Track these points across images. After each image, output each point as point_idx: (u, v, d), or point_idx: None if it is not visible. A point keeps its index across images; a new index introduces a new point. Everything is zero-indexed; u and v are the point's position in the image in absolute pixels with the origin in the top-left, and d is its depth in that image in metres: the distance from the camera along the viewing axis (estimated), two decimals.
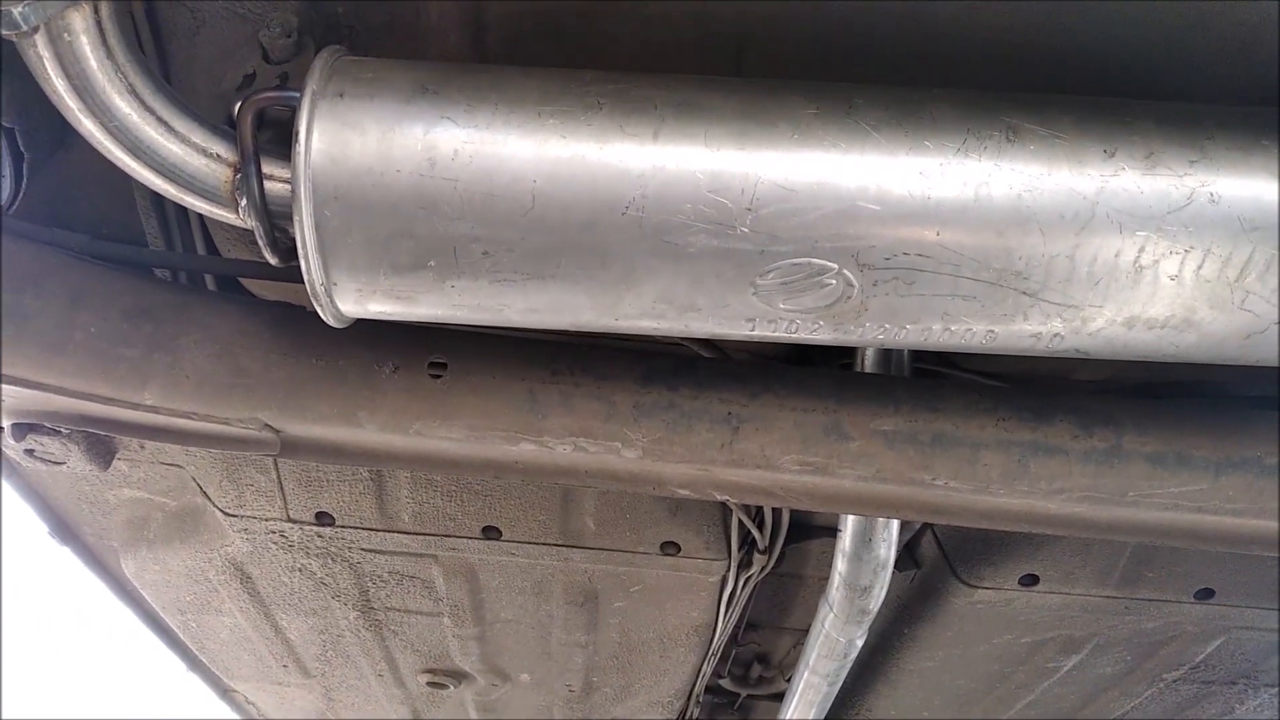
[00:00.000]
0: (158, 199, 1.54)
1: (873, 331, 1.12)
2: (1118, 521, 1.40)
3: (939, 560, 1.97)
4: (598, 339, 1.42)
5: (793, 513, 2.07)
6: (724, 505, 1.87)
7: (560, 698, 2.66)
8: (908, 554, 2.07)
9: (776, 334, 1.13)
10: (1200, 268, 1.04)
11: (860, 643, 2.01)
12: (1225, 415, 1.38)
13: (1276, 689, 2.22)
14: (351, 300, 1.11)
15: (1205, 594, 1.89)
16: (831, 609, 1.88)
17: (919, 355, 1.68)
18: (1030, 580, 1.89)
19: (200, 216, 1.61)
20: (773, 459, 1.36)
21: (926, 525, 1.97)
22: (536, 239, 1.03)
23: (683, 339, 1.60)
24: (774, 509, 1.87)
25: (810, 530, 2.08)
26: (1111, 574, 1.86)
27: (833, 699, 2.32)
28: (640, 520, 1.86)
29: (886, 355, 1.61)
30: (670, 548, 1.90)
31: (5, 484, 1.96)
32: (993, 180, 1.01)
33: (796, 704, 2.37)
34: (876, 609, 1.84)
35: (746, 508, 1.85)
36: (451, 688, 2.58)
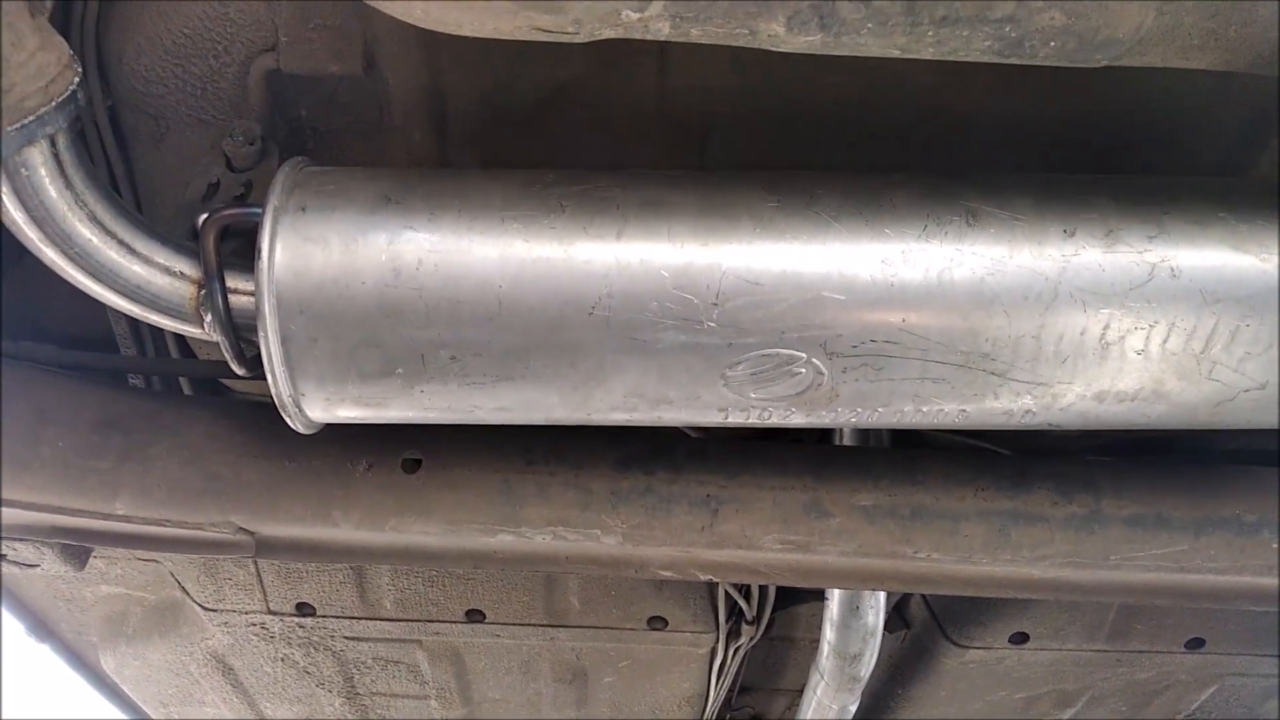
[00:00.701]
0: None
1: (846, 415, 1.12)
2: (1102, 584, 1.40)
3: (928, 621, 1.95)
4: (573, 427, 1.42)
5: None
6: (711, 581, 1.85)
7: None
8: (897, 615, 2.05)
9: (750, 421, 1.13)
10: (1166, 341, 1.04)
11: (854, 708, 1.99)
12: (1202, 475, 1.38)
13: None
14: (320, 408, 1.10)
15: (1196, 643, 1.88)
16: (823, 677, 1.86)
17: None
18: (1020, 638, 1.88)
19: None
20: (754, 539, 1.35)
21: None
22: (504, 341, 1.02)
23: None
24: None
25: (799, 594, 2.06)
26: (1101, 628, 1.85)
27: None
28: (626, 597, 1.84)
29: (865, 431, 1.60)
30: (658, 622, 1.88)
31: None
32: (955, 265, 1.02)
33: None
34: (867, 676, 1.82)
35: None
36: None
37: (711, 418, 1.13)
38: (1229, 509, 1.35)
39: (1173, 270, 1.03)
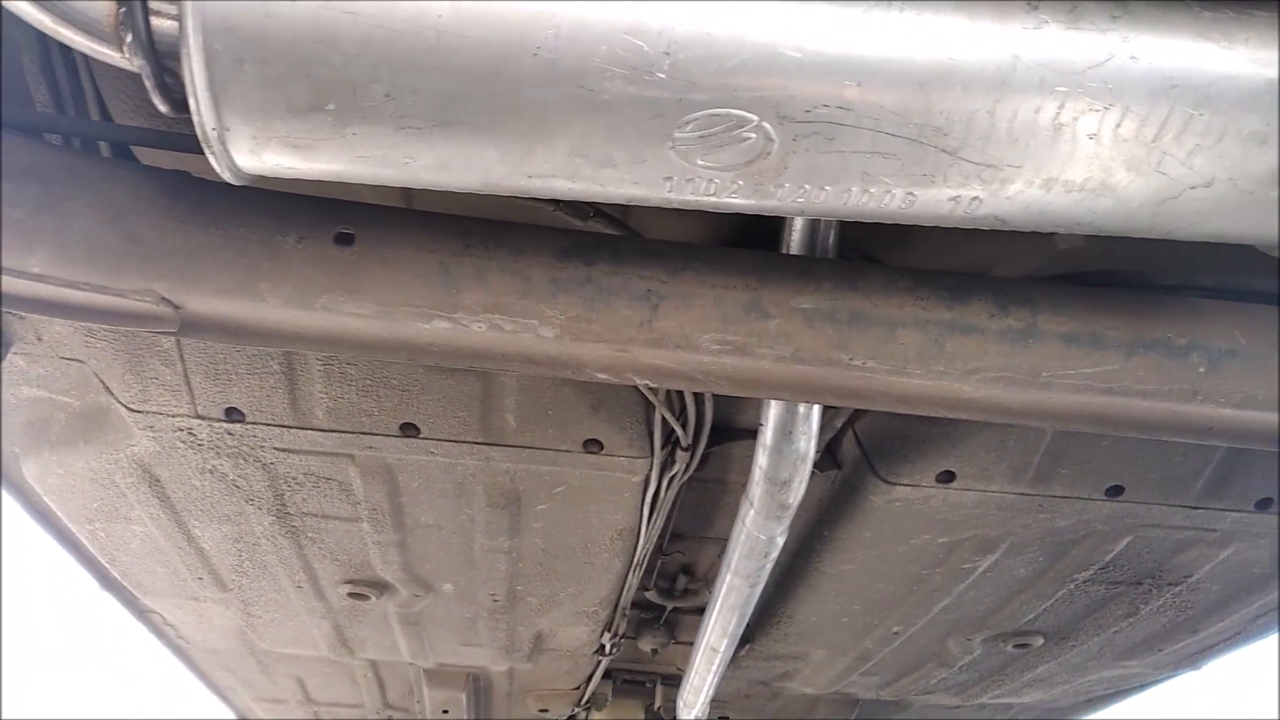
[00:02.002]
0: (47, 64, 1.45)
1: (792, 195, 1.10)
2: (1032, 406, 1.42)
3: (859, 460, 1.98)
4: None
5: (716, 413, 2.06)
6: (647, 402, 1.84)
7: (484, 608, 2.64)
8: (829, 455, 2.08)
9: (696, 197, 1.10)
10: (1119, 126, 1.03)
11: (781, 541, 2.02)
12: (1138, 298, 1.40)
13: (1179, 588, 2.31)
14: (247, 150, 1.04)
15: (1115, 491, 1.94)
16: (752, 505, 1.88)
17: (843, 251, 1.67)
18: (947, 477, 1.91)
19: (95, 84, 1.51)
20: (692, 338, 1.34)
21: (848, 425, 1.98)
22: (441, 81, 0.97)
23: (601, 207, 1.58)
24: (697, 407, 1.85)
25: (733, 433, 2.08)
26: (1026, 470, 1.90)
27: (755, 602, 2.34)
28: (562, 417, 1.83)
29: (812, 244, 1.59)
30: (593, 445, 1.88)
31: None
32: (915, 31, 0.99)
33: (719, 608, 2.40)
34: (796, 504, 1.85)
35: (670, 403, 1.84)
36: (373, 599, 2.55)
37: (657, 189, 1.10)
38: (1160, 331, 1.37)
39: (1132, 53, 1.01)
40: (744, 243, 1.72)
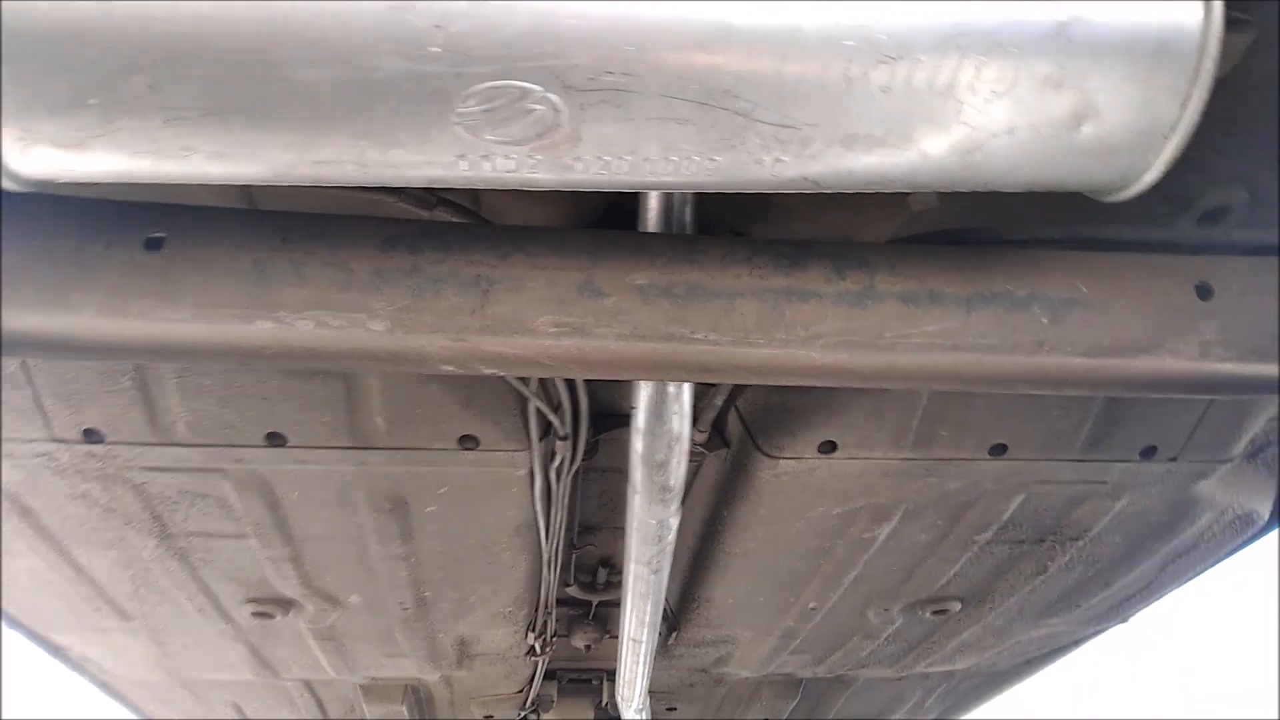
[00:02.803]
0: None
1: (593, 167, 1.07)
2: (882, 368, 1.40)
3: (743, 436, 1.97)
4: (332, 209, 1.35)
5: (599, 400, 2.04)
6: (520, 395, 1.81)
7: (397, 618, 2.60)
8: (718, 434, 2.07)
9: (494, 174, 1.07)
10: (910, 78, 1.01)
11: (674, 523, 2.00)
12: (975, 253, 1.39)
13: (1081, 542, 2.33)
14: (18, 152, 1.00)
15: (999, 449, 1.94)
16: (636, 490, 1.86)
17: (701, 227, 1.65)
18: (829, 447, 1.91)
19: None
20: (527, 322, 1.31)
21: (729, 403, 1.97)
22: (204, 69, 0.93)
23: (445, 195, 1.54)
24: (571, 395, 1.83)
25: (621, 419, 2.05)
26: (907, 435, 1.89)
27: (664, 588, 2.32)
28: (433, 415, 1.80)
29: (668, 223, 1.56)
30: (469, 441, 1.85)
31: None
32: None
33: (631, 598, 2.37)
34: (678, 485, 1.83)
35: (544, 393, 1.81)
36: (279, 617, 2.49)
37: (452, 169, 1.06)
38: (999, 284, 1.36)
39: (915, 3, 0.99)
40: (606, 224, 1.70)
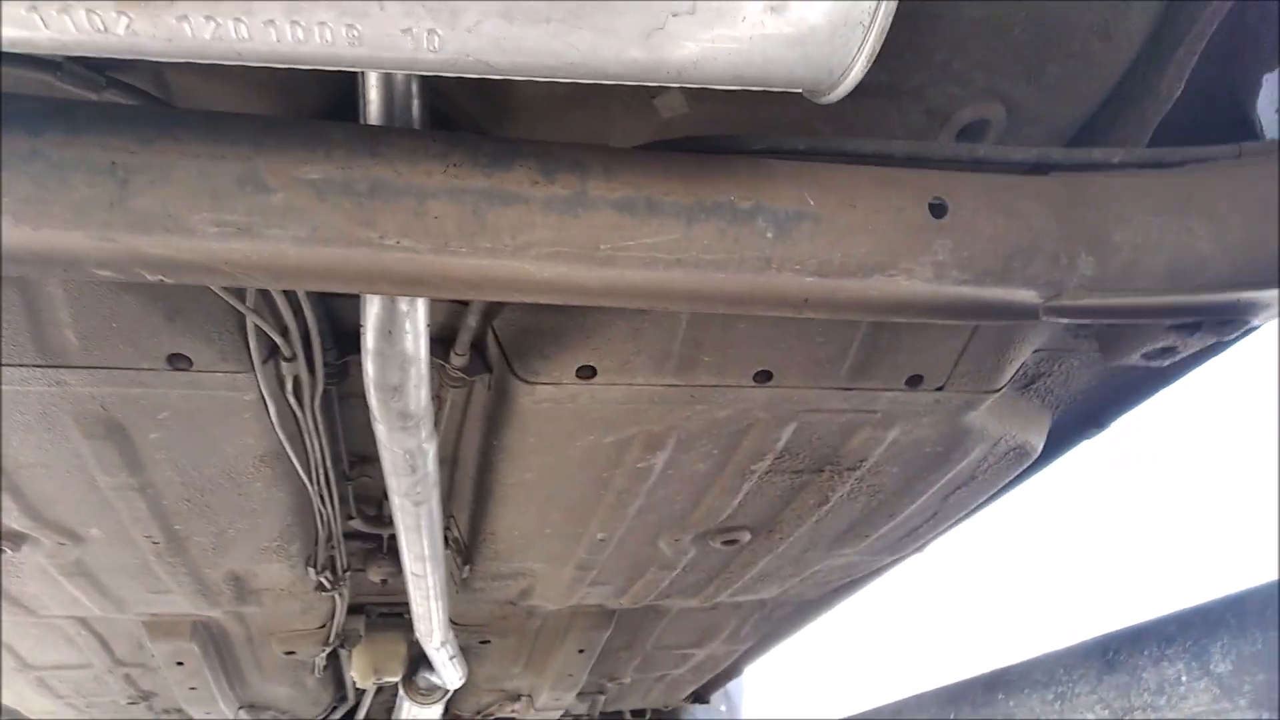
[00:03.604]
0: None
1: (204, 27, 0.91)
2: (604, 282, 1.29)
3: (500, 360, 1.84)
4: None
5: (339, 318, 1.88)
6: (237, 311, 1.63)
7: (149, 552, 2.40)
8: (479, 357, 1.93)
9: (83, 32, 0.89)
10: None
11: (430, 451, 1.87)
12: (704, 161, 1.28)
13: (859, 472, 2.31)
14: None
15: (764, 376, 1.88)
16: (376, 418, 1.72)
17: (437, 123, 1.49)
18: (589, 372, 1.80)
19: None
20: (180, 218, 1.13)
21: (486, 323, 1.83)
22: None
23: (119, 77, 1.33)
24: (295, 309, 1.65)
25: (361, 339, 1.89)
26: (668, 360, 1.80)
27: (435, 520, 2.19)
28: (132, 330, 1.60)
29: (390, 118, 1.39)
30: (180, 360, 1.66)
31: None
32: None
33: (401, 531, 2.24)
34: (421, 412, 1.69)
35: (264, 309, 1.63)
36: (12, 551, 2.26)
37: (25, 27, 0.89)
38: (723, 195, 1.26)
39: None
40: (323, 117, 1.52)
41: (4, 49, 0.94)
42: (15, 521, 2.14)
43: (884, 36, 1.00)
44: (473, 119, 1.58)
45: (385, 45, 0.95)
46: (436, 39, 0.95)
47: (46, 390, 1.68)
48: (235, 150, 1.13)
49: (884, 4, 0.97)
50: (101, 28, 0.90)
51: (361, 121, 1.39)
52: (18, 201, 1.10)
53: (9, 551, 2.26)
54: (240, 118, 1.16)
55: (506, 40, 0.96)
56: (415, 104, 1.39)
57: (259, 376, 1.72)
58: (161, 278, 1.23)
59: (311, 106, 1.52)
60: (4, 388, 1.66)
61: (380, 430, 1.76)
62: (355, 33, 0.93)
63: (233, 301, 1.58)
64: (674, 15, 0.95)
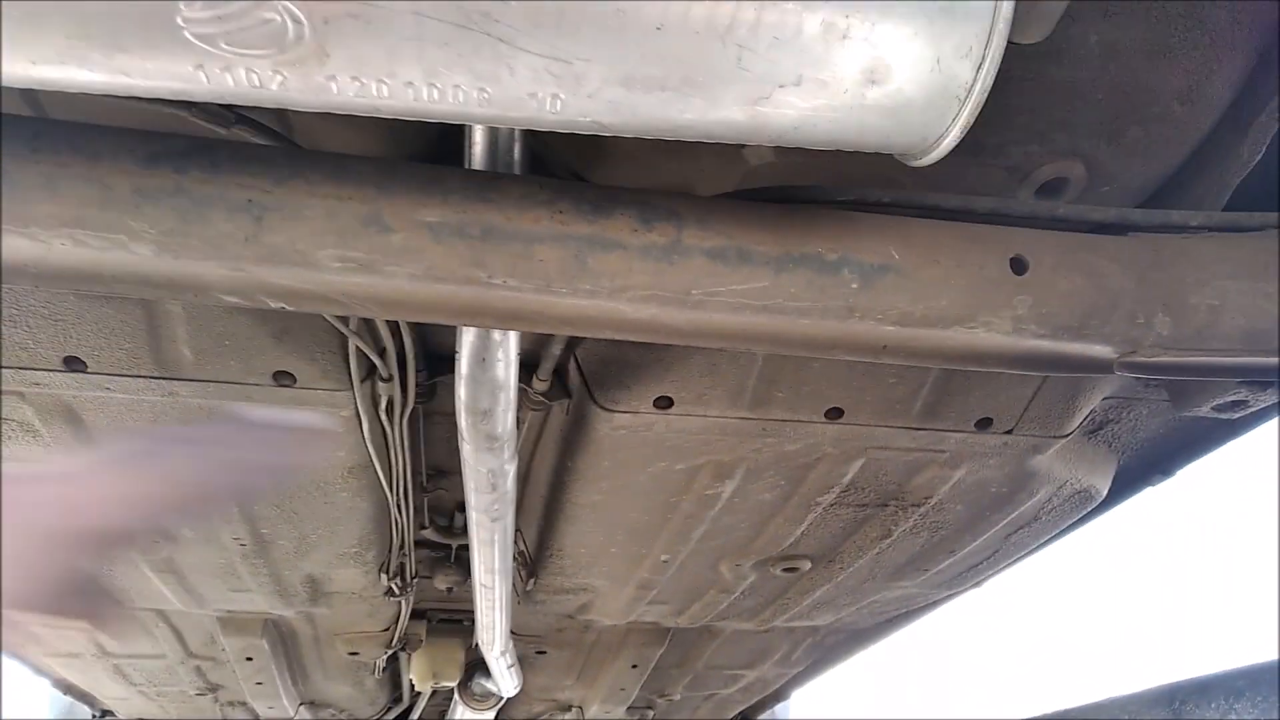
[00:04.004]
0: None
1: (350, 87, 0.99)
2: (693, 324, 1.36)
3: (581, 388, 1.92)
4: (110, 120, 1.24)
5: (431, 341, 1.97)
6: (341, 333, 1.73)
7: (236, 553, 2.52)
8: (560, 384, 2.01)
9: (241, 87, 0.98)
10: (686, 16, 0.95)
11: (510, 471, 1.95)
12: (792, 212, 1.34)
13: (923, 509, 2.34)
14: None
15: (835, 413, 1.93)
16: (464, 438, 1.80)
17: (536, 167, 1.57)
18: (665, 403, 1.87)
19: None
20: (308, 254, 1.22)
21: (569, 352, 1.91)
22: None
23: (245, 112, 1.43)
24: (395, 333, 1.75)
25: (450, 362, 1.98)
26: (742, 395, 1.86)
27: (508, 535, 2.28)
28: (244, 348, 1.71)
29: (494, 161, 1.48)
30: (284, 378, 1.76)
31: None
32: None
33: (475, 543, 2.33)
34: (507, 435, 1.77)
35: (365, 332, 1.73)
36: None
37: (193, 82, 0.97)
38: (810, 246, 1.32)
39: None
40: (427, 159, 1.61)
41: (166, 97, 1.04)
42: None
43: (979, 108, 1.05)
44: (567, 161, 1.66)
45: (512, 106, 1.03)
46: (559, 102, 1.03)
47: (159, 400, 1.79)
48: (360, 192, 1.22)
49: (980, 80, 1.03)
50: (258, 84, 0.99)
51: (466, 162, 1.49)
52: (162, 233, 1.19)
53: None
54: (365, 161, 1.25)
55: (623, 105, 1.03)
56: (516, 147, 1.48)
57: (356, 394, 1.82)
58: (282, 305, 1.33)
59: (416, 144, 1.62)
60: (120, 395, 1.78)
61: (466, 449, 1.85)
62: (485, 94, 1.01)
63: (338, 325, 1.68)
64: (780, 87, 1.02)
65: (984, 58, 1.02)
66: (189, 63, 0.95)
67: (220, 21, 0.91)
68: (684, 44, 0.97)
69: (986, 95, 1.05)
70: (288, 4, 0.90)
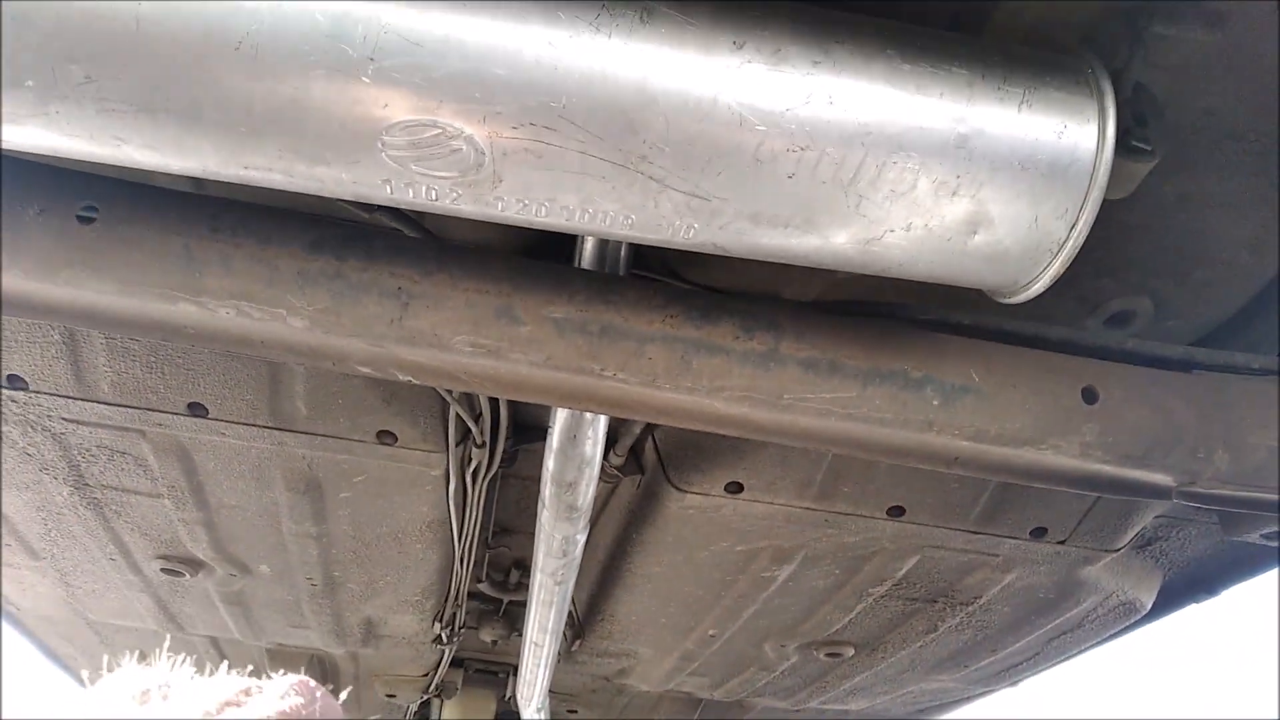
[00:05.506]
0: None
1: (513, 206, 1.13)
2: (779, 425, 1.47)
3: (656, 466, 2.03)
4: (272, 201, 1.38)
5: (525, 413, 2.09)
6: (442, 398, 1.86)
7: (304, 592, 2.63)
8: (634, 459, 2.12)
9: (419, 200, 1.12)
10: (816, 168, 1.08)
11: (581, 540, 2.06)
12: (880, 329, 1.45)
13: (971, 608, 2.40)
14: None
15: (897, 511, 2.01)
16: (545, 505, 1.91)
17: (639, 261, 1.70)
18: (736, 488, 1.97)
19: None
20: (444, 339, 1.36)
21: (648, 432, 2.02)
22: (141, 69, 0.98)
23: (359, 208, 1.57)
24: (493, 404, 1.88)
25: (541, 433, 2.10)
26: (810, 486, 1.96)
27: (567, 599, 2.38)
28: (354, 407, 1.84)
29: (602, 257, 1.61)
30: (387, 437, 1.89)
31: None
32: (622, 57, 1.02)
33: (535, 604, 2.43)
34: (586, 506, 1.88)
35: (464, 401, 1.85)
36: (188, 576, 2.52)
37: (377, 190, 1.11)
38: (897, 364, 1.43)
39: (830, 98, 1.05)
40: (542, 251, 1.74)
41: (346, 198, 1.18)
42: (201, 551, 2.39)
43: (1070, 261, 1.17)
44: (668, 258, 1.79)
45: (650, 230, 1.16)
46: (693, 230, 1.15)
47: (267, 448, 1.93)
48: (497, 287, 1.35)
49: (1073, 238, 1.14)
50: (434, 199, 1.13)
51: (577, 255, 1.62)
52: (318, 311, 1.33)
53: (186, 576, 2.51)
54: (502, 259, 1.38)
55: (747, 236, 1.16)
56: (624, 245, 1.61)
57: (450, 456, 1.94)
58: (410, 379, 1.46)
59: (530, 237, 1.76)
60: (232, 441, 1.92)
61: (545, 516, 1.96)
62: (630, 220, 1.14)
63: (442, 393, 1.81)
64: (891, 231, 1.14)
65: (1078, 219, 1.14)
66: (379, 177, 1.09)
67: (415, 148, 1.05)
68: (810, 190, 1.09)
69: (1078, 250, 1.16)
70: (475, 137, 1.04)
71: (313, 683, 0.73)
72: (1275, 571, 2.29)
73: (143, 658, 0.68)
